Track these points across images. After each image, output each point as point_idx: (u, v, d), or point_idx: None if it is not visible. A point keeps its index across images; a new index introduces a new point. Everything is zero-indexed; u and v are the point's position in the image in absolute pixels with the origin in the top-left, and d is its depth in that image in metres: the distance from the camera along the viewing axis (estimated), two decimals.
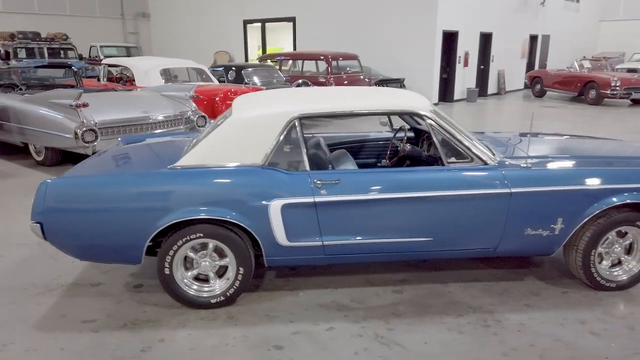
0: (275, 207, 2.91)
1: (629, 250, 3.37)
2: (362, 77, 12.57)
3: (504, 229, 3.15)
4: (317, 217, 2.98)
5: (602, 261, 3.35)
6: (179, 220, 2.87)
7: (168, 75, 9.18)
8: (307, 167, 3.02)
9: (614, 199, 3.13)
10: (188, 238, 2.93)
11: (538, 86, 16.82)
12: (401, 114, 3.27)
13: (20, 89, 7.87)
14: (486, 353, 2.65)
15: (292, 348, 2.68)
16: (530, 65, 20.05)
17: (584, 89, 14.86)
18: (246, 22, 18.75)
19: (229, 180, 2.93)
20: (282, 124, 3.00)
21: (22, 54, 16.06)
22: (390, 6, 14.59)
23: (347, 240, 3.06)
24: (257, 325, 2.89)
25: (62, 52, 17.10)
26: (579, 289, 3.35)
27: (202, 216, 2.86)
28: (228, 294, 3.06)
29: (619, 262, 3.39)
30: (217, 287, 3.08)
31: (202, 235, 2.93)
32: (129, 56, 18.77)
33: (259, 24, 18.23)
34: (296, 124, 3.03)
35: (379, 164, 4.26)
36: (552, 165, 3.23)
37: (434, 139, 3.13)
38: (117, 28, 22.24)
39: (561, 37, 21.93)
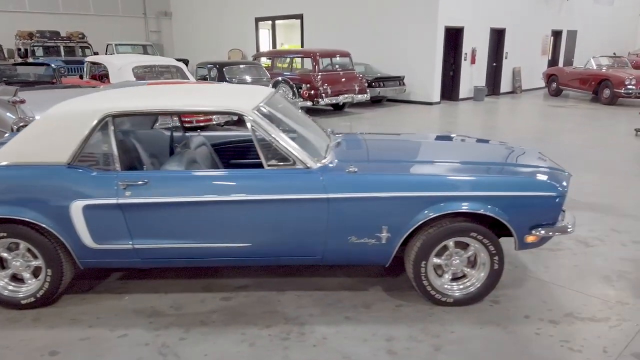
0: (76, 208, 2.87)
1: (474, 264, 3.13)
2: (355, 74, 12.37)
3: (326, 237, 2.99)
4: (125, 220, 2.93)
5: (443, 274, 3.13)
6: None
7: (141, 72, 9.31)
8: (118, 167, 2.97)
9: (440, 208, 2.91)
10: None
11: (554, 85, 16.01)
12: (225, 114, 3.14)
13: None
14: None
15: (67, 355, 2.64)
16: (553, 63, 19.12)
17: (598, 88, 14.03)
18: (258, 20, 18.85)
19: (29, 179, 2.92)
20: (92, 122, 2.95)
21: (39, 52, 16.79)
22: (391, 2, 14.27)
23: (159, 244, 2.99)
24: (54, 329, 2.88)
25: (80, 50, 17.77)
26: (417, 302, 3.15)
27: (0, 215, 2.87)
28: (38, 295, 3.05)
29: (464, 276, 3.16)
30: (32, 287, 3.09)
31: (5, 235, 2.94)
32: (145, 54, 19.25)
33: (281, 22, 18.25)
34: (108, 122, 2.97)
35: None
36: (383, 171, 3.04)
37: (254, 140, 3.01)
38: (140, 26, 22.84)
39: (591, 33, 20.77)
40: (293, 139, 3.17)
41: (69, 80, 9.89)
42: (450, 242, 3.05)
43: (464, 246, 3.09)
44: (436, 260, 3.09)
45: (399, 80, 13.86)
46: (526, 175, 3.04)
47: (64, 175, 2.91)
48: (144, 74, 9.27)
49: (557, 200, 2.95)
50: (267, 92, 3.51)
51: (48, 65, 9.06)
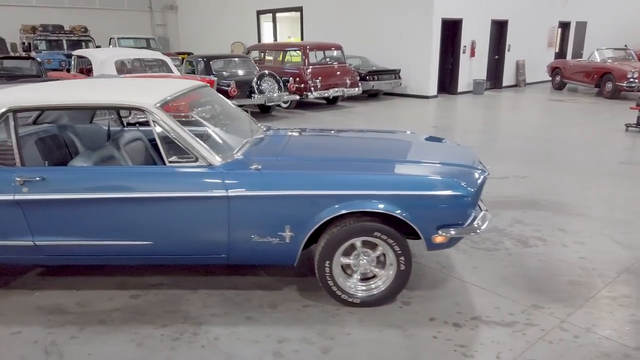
0: None
1: (384, 264, 3.05)
2: (346, 67, 12.23)
3: (229, 235, 2.94)
4: (25, 216, 2.91)
5: (353, 274, 3.05)
6: None
7: (124, 66, 9.34)
8: (18, 163, 2.95)
9: (340, 208, 2.82)
10: None
11: (557, 78, 15.62)
12: (126, 109, 3.10)
13: None
14: None
15: None
16: (561, 56, 18.65)
17: (600, 81, 13.63)
18: (259, 13, 18.80)
19: None
20: None
21: (42, 46, 17.00)
22: None
23: (61, 241, 2.97)
24: None
25: (82, 43, 17.95)
26: (327, 303, 3.08)
27: None
28: None
29: (375, 276, 3.07)
30: None
31: None
32: (147, 47, 19.36)
33: (286, 15, 18.18)
34: (9, 117, 2.94)
35: None
36: (288, 169, 2.96)
37: (155, 136, 2.96)
38: (146, 20, 22.99)
39: (603, 24, 20.18)
40: (203, 135, 3.12)
41: (56, 74, 9.99)
42: (358, 242, 2.97)
43: (374, 246, 3.00)
44: (344, 260, 3.02)
45: (394, 73, 13.67)
46: (433, 174, 2.93)
47: None
48: (127, 68, 9.30)
49: (463, 199, 2.84)
50: (184, 86, 3.45)
51: (33, 59, 9.15)
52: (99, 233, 2.95)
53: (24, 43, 17.30)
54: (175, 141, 2.93)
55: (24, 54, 16.94)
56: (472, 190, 2.87)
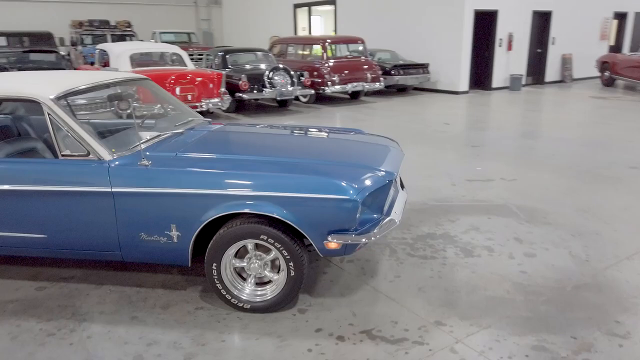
0: None
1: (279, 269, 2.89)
2: (368, 61, 11.94)
3: (118, 233, 2.88)
4: None
5: (248, 278, 2.92)
6: None
7: (139, 59, 9.56)
8: None
9: (224, 208, 2.70)
10: None
11: (606, 73, 14.52)
12: (20, 100, 3.09)
13: (7, 68, 8.80)
14: None
15: None
16: (617, 50, 17.34)
17: None
18: (296, 6, 18.76)
19: None
20: None
21: (88, 40, 17.82)
22: None
23: None
24: None
25: (126, 38, 18.64)
26: (220, 307, 2.96)
27: None
28: None
29: (270, 281, 2.92)
30: None
31: None
32: (188, 42, 19.87)
33: (327, 9, 18.09)
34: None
35: None
36: (178, 166, 2.85)
37: (49, 129, 2.94)
38: (190, 15, 23.58)
39: None
40: (105, 129, 3.07)
41: (82, 67, 10.39)
42: (250, 245, 2.83)
43: (268, 250, 2.85)
44: (238, 263, 2.89)
45: (422, 67, 13.21)
46: (323, 175, 2.73)
47: None
48: (142, 61, 9.51)
49: (350, 204, 2.63)
50: (97, 78, 3.42)
51: (57, 52, 9.59)
52: None
53: (72, 37, 18.21)
54: (68, 134, 2.91)
55: (72, 48, 17.85)
56: (361, 194, 2.65)
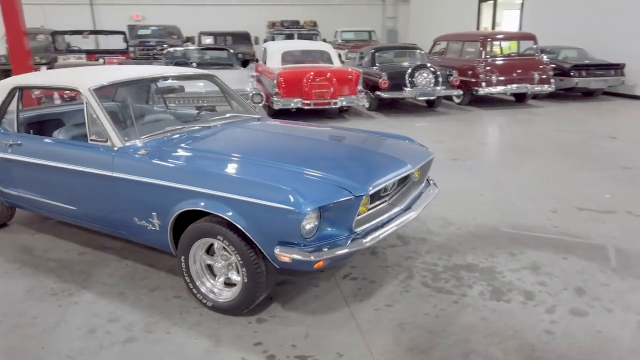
0: None
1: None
2: (537, 60, 10.56)
3: (119, 214, 3.15)
4: (9, 169, 3.69)
5: (217, 275, 2.91)
6: None
7: (290, 56, 10.10)
8: (14, 130, 3.73)
9: (187, 204, 2.74)
10: None
11: None
12: (66, 89, 3.51)
13: (188, 64, 10.22)
14: None
15: None
16: None
17: None
18: (481, 1, 17.58)
19: None
20: (4, 92, 3.78)
21: (279, 38, 19.52)
22: None
23: (22, 194, 3.67)
24: None
25: (312, 36, 19.88)
26: (195, 300, 2.98)
27: None
28: None
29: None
30: None
31: None
32: (368, 40, 20.31)
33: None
34: (16, 93, 3.72)
35: None
36: (163, 159, 2.96)
37: (85, 115, 3.33)
38: (376, 14, 23.96)
39: None
40: (119, 117, 3.37)
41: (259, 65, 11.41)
42: (217, 244, 2.80)
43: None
44: (208, 261, 2.89)
45: (615, 68, 11.15)
46: (273, 182, 2.54)
47: None
48: (291, 58, 10.04)
49: (293, 216, 2.39)
50: (145, 73, 3.76)
51: (228, 50, 10.78)
52: (43, 192, 3.54)
53: (266, 36, 20.14)
54: (97, 122, 3.26)
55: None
56: (307, 207, 2.39)
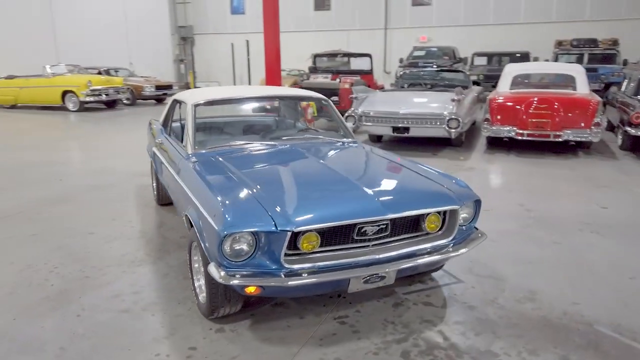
0: None
1: None
2: None
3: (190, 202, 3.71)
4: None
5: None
6: None
7: (521, 80, 9.06)
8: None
9: (187, 209, 3.13)
10: None
11: None
12: (181, 103, 4.20)
13: (422, 85, 10.47)
14: None
15: None
16: None
17: None
18: None
19: None
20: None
21: (562, 59, 17.51)
22: None
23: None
24: None
25: (611, 58, 17.01)
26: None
27: None
28: None
29: None
30: None
31: None
32: None
33: None
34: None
35: None
36: (199, 168, 3.43)
37: (180, 124, 4.05)
38: None
39: None
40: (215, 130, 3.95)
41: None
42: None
43: None
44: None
45: None
46: (224, 199, 2.62)
47: None
48: (523, 82, 9.02)
49: (214, 235, 2.46)
50: (243, 93, 4.37)
51: (462, 72, 10.42)
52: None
53: (552, 57, 18.21)
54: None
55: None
56: (224, 231, 2.40)
